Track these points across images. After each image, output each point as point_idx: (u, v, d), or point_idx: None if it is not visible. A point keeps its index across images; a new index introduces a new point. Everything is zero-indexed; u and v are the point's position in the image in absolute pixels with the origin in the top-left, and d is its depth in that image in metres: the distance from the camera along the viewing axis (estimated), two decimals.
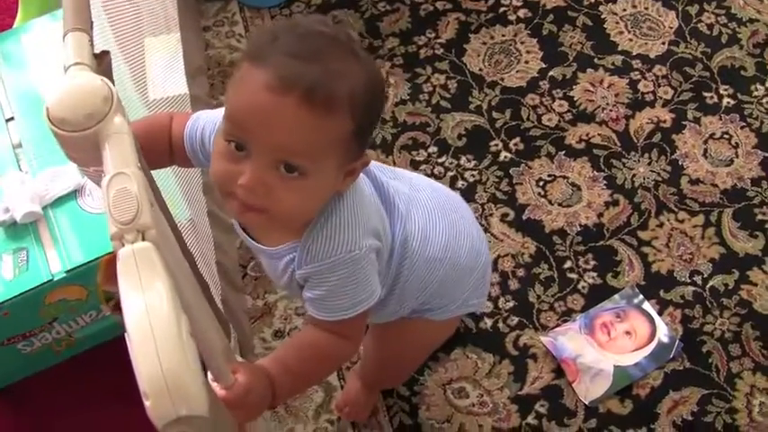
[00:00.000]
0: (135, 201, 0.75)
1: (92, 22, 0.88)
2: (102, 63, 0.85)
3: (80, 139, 0.80)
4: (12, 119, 1.80)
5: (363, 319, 1.26)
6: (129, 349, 0.73)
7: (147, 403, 0.72)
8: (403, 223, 1.33)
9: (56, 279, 1.61)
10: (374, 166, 1.34)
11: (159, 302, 0.73)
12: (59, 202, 1.69)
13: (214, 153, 1.12)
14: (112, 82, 0.83)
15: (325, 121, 1.05)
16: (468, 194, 2.00)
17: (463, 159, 2.06)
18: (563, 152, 2.07)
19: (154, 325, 0.71)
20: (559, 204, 1.99)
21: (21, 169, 1.73)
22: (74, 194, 1.69)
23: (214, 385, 1.05)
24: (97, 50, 0.86)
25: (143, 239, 0.75)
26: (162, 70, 1.84)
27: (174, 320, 0.72)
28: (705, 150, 2.07)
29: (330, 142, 1.08)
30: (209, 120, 1.25)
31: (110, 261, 1.63)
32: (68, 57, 0.85)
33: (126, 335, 0.73)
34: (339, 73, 1.06)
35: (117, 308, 1.73)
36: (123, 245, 0.75)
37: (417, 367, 1.77)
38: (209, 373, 1.04)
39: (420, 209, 1.38)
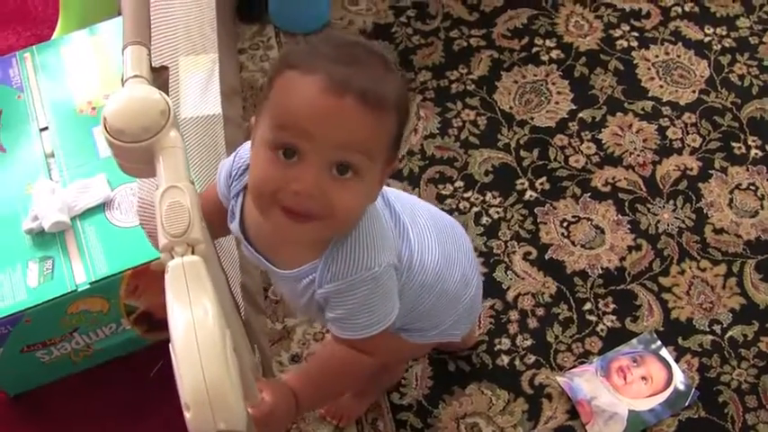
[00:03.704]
0: (187, 214, 0.76)
1: (150, 37, 0.89)
2: (160, 77, 0.85)
3: (135, 151, 0.80)
4: (46, 128, 1.81)
5: (386, 335, 1.27)
6: (173, 361, 0.73)
7: (187, 415, 0.73)
8: (409, 247, 1.34)
9: (79, 290, 1.62)
10: (389, 194, 1.36)
11: (206, 317, 0.73)
12: (88, 213, 1.70)
13: (256, 163, 1.11)
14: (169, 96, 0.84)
15: (379, 120, 1.08)
16: (492, 231, 2.01)
17: (489, 196, 2.06)
18: (588, 194, 2.07)
19: (199, 338, 0.72)
20: (582, 246, 2.00)
21: (51, 178, 1.75)
22: (102, 207, 1.70)
23: None
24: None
25: (192, 253, 0.76)
26: (195, 90, 1.86)
27: (220, 335, 0.73)
28: (731, 200, 2.07)
29: (382, 142, 1.11)
30: (222, 169, 1.28)
31: (133, 275, 1.64)
32: (127, 69, 0.86)
33: (170, 346, 0.74)
34: (381, 78, 1.10)
35: (137, 322, 1.75)
36: (173, 257, 0.76)
37: (392, 376, 1.78)
38: None
39: (419, 235, 1.38)
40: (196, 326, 0.72)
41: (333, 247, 1.19)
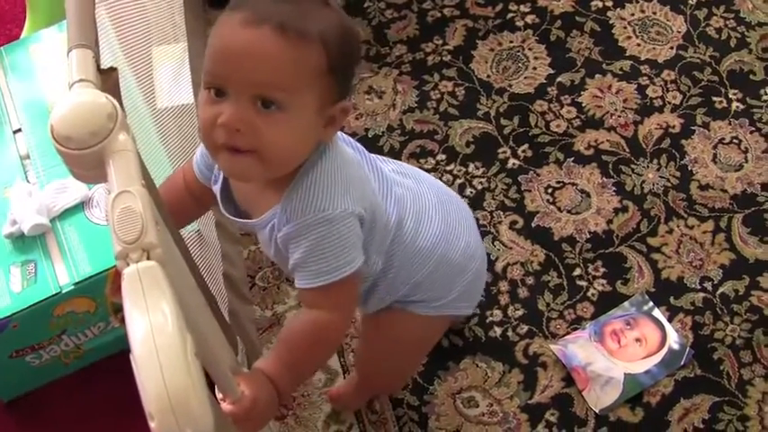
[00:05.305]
0: (140, 219, 0.75)
1: (97, 38, 0.87)
2: (108, 80, 0.84)
3: (84, 157, 0.79)
4: (19, 130, 1.79)
5: (349, 288, 1.25)
6: (134, 370, 0.72)
7: (152, 424, 0.72)
8: (396, 206, 1.34)
9: (64, 291, 1.61)
10: (377, 157, 1.37)
11: (164, 323, 0.72)
12: (67, 213, 1.68)
13: (198, 109, 1.15)
14: (119, 98, 0.83)
15: (297, 51, 1.10)
16: (477, 202, 2.00)
17: (471, 167, 2.05)
18: (572, 159, 2.06)
19: (158, 345, 0.71)
20: (568, 211, 1.98)
21: (28, 181, 1.73)
22: (81, 206, 1.69)
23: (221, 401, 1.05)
24: (106, 63, 0.85)
25: (148, 258, 0.75)
26: (169, 79, 1.84)
27: (179, 341, 0.71)
28: (714, 155, 2.05)
29: (305, 74, 1.12)
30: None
31: (118, 272, 1.62)
32: (72, 74, 0.84)
33: (131, 355, 0.73)
34: (311, 14, 1.13)
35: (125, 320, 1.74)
36: (128, 264, 0.75)
37: (408, 371, 1.75)
38: (216, 389, 1.03)
39: (418, 200, 1.40)
40: (154, 332, 0.71)
41: (290, 190, 1.20)
